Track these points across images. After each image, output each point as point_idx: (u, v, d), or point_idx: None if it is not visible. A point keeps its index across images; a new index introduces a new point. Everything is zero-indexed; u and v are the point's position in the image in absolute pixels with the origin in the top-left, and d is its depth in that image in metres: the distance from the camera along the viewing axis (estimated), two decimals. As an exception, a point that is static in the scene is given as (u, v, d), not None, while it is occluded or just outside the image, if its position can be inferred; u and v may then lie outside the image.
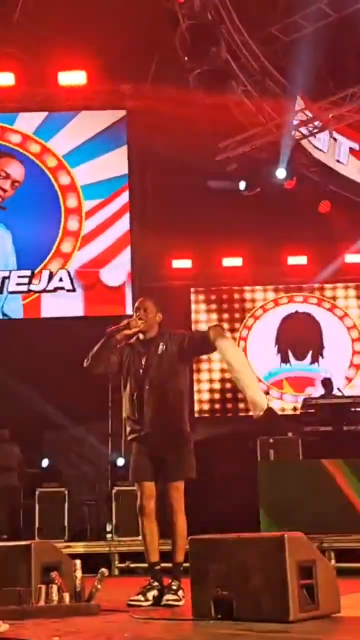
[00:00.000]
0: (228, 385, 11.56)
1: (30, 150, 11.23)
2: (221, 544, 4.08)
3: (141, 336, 5.05)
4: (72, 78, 10.84)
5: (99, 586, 4.32)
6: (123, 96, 11.13)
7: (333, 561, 6.84)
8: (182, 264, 11.88)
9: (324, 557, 4.11)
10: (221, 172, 10.90)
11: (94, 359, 5.01)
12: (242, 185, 10.82)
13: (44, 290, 10.76)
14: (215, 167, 10.86)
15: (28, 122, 11.25)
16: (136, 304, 5.14)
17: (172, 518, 4.86)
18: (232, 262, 11.92)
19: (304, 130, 10.60)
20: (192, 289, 11.95)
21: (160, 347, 4.98)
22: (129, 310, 10.67)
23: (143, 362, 4.98)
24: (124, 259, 10.99)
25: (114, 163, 11.16)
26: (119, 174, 11.18)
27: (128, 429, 5.08)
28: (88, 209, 11.10)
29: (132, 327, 5.00)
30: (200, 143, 10.62)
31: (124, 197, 11.12)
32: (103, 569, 4.44)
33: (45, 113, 11.25)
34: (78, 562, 4.39)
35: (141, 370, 4.96)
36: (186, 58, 9.69)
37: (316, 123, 10.52)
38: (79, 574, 4.32)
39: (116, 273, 10.95)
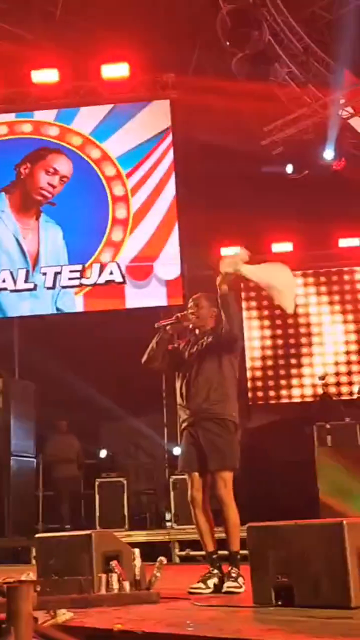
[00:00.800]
0: (282, 372, 11.52)
1: (72, 143, 11.29)
2: (280, 530, 4.07)
3: (197, 331, 5.17)
4: (115, 70, 10.86)
5: (158, 574, 4.36)
6: (166, 86, 11.09)
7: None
8: (232, 251, 11.81)
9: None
10: (267, 157, 10.81)
11: (149, 354, 5.16)
12: (289, 168, 10.72)
13: (95, 284, 10.83)
14: (261, 152, 10.78)
15: (81, 118, 11.30)
16: (190, 300, 5.22)
17: (222, 509, 4.86)
18: (282, 247, 11.83)
19: (350, 109, 10.43)
20: (242, 276, 11.87)
21: (205, 338, 5.07)
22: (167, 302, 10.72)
23: (193, 353, 5.08)
24: (174, 249, 10.95)
25: (160, 152, 11.13)
26: (165, 164, 11.13)
27: (179, 418, 5.13)
28: (135, 199, 11.10)
29: (183, 322, 5.06)
30: (245, 128, 10.57)
31: (171, 187, 11.08)
32: (162, 557, 4.47)
33: (79, 108, 11.29)
34: (137, 550, 4.43)
35: (190, 362, 5.05)
36: (228, 43, 9.63)
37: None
38: (138, 562, 4.37)
39: (170, 266, 10.90)
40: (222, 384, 4.99)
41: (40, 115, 11.42)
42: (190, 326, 5.23)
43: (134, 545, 4.91)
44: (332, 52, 9.94)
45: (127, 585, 4.28)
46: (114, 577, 4.26)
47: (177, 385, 5.13)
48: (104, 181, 11.16)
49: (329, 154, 10.48)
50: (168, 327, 5.10)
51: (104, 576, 4.29)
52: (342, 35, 9.35)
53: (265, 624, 3.55)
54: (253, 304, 11.90)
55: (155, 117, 11.19)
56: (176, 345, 5.26)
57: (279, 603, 3.85)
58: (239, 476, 4.96)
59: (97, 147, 11.24)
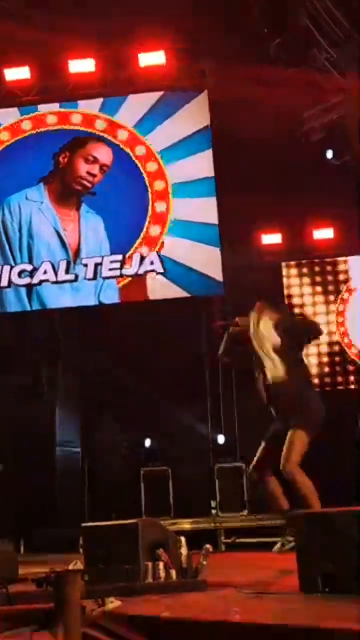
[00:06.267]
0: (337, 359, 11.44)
1: (118, 137, 11.29)
2: (327, 517, 4.07)
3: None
4: (152, 59, 10.82)
5: (204, 562, 4.38)
6: (203, 74, 11.03)
7: None
8: (272, 239, 11.78)
9: None
10: (307, 144, 10.71)
11: (221, 351, 5.76)
12: (329, 154, 10.62)
13: (136, 275, 10.85)
14: (300, 139, 10.68)
15: (127, 107, 11.27)
16: (253, 310, 5.65)
17: None
18: (323, 233, 11.73)
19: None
20: (283, 264, 11.83)
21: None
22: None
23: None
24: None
25: (203, 162, 11.02)
26: (204, 159, 11.02)
27: None
28: (175, 193, 11.06)
29: (240, 325, 5.58)
30: (285, 113, 10.47)
31: (211, 180, 10.99)
32: (207, 545, 4.50)
33: (125, 97, 11.25)
34: (183, 539, 4.46)
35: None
36: (265, 30, 9.54)
37: None
38: (184, 550, 4.40)
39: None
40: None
41: (84, 104, 11.37)
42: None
43: (179, 533, 4.94)
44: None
45: (173, 573, 4.31)
46: (160, 565, 4.29)
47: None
48: (145, 176, 11.14)
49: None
50: (228, 327, 5.39)
51: (150, 564, 4.33)
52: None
53: (312, 611, 3.55)
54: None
55: (196, 111, 11.09)
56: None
57: (326, 590, 3.85)
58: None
59: (141, 143, 11.20)
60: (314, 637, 2.93)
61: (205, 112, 11.03)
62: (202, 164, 10.90)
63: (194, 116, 11.09)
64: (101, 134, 11.29)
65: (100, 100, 11.35)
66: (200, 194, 10.87)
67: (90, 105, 11.39)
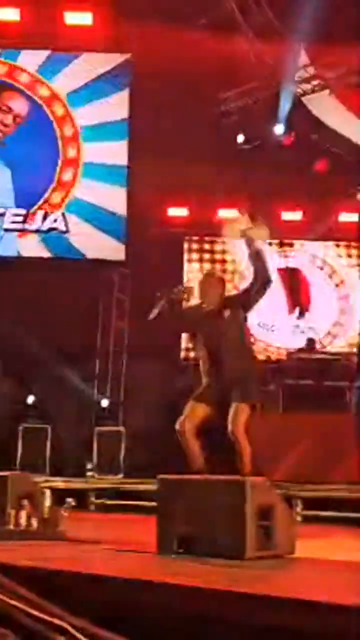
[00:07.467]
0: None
1: (20, 81, 11.11)
2: (188, 484, 4.30)
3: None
4: (79, 18, 10.75)
5: (65, 514, 4.59)
6: (127, 39, 11.01)
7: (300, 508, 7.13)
8: (178, 212, 11.95)
9: (283, 501, 4.31)
10: (220, 124, 10.90)
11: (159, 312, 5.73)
12: (240, 138, 10.84)
13: (38, 231, 10.82)
14: (214, 118, 10.85)
15: (32, 59, 11.13)
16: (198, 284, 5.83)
17: None
18: (228, 213, 11.96)
19: (305, 86, 10.57)
20: (185, 238, 12.03)
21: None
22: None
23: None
24: (121, 205, 11.00)
25: (115, 107, 11.09)
26: (119, 117, 11.11)
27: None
28: (86, 149, 11.07)
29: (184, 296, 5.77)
30: (203, 89, 10.61)
31: (123, 142, 11.07)
32: (69, 499, 4.71)
33: (48, 52, 11.12)
34: (48, 492, 4.66)
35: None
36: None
37: (316, 82, 10.48)
38: (47, 502, 4.59)
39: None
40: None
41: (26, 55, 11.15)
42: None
43: (53, 490, 5.11)
44: (290, 25, 9.98)
45: (35, 522, 4.50)
46: (23, 514, 4.47)
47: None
48: (53, 121, 11.05)
49: (279, 128, 10.64)
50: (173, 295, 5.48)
51: (13, 512, 4.50)
52: (300, 11, 9.39)
53: (166, 568, 3.78)
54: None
55: (114, 72, 11.12)
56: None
57: (180, 551, 4.09)
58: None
59: (44, 84, 11.09)
60: (159, 590, 3.15)
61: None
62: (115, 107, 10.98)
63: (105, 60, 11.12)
64: (21, 87, 11.13)
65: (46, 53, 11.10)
66: (112, 138, 10.97)
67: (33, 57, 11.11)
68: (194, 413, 5.62)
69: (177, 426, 5.54)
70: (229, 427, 5.57)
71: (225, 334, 5.64)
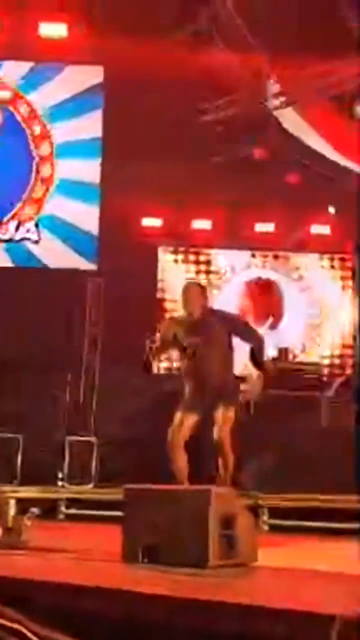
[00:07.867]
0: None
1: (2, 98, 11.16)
2: (153, 494, 4.36)
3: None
4: (53, 30, 10.78)
5: (28, 523, 4.62)
6: (104, 52, 11.05)
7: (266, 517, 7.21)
8: (152, 222, 12.01)
9: (246, 511, 4.38)
10: (195, 136, 10.98)
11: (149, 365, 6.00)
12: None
13: (10, 240, 10.83)
14: (190, 130, 10.94)
15: (13, 71, 11.17)
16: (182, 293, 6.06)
17: None
18: (202, 224, 12.07)
19: (276, 101, 10.70)
20: (160, 248, 12.10)
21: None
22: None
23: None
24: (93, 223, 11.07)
25: (90, 125, 11.12)
26: (93, 135, 11.15)
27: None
28: (61, 165, 11.11)
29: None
30: (179, 101, 10.69)
31: (97, 154, 11.11)
32: (34, 508, 4.75)
33: (29, 64, 11.17)
34: (12, 501, 4.68)
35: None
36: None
37: (284, 98, 10.61)
38: (12, 511, 4.62)
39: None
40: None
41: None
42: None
43: (23, 500, 5.12)
44: (260, 37, 10.07)
45: (-1, 531, 4.54)
46: (-15, 523, 4.52)
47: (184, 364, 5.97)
48: (30, 139, 11.09)
49: (252, 140, 10.76)
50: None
51: (-26, 520, 4.54)
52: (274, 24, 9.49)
53: (130, 576, 3.82)
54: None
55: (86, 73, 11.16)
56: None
57: (145, 560, 4.13)
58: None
59: (25, 102, 11.12)
60: (123, 598, 3.18)
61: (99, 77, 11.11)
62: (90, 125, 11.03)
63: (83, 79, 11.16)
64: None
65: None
66: (85, 155, 11.02)
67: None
68: (184, 424, 5.71)
69: (168, 438, 5.63)
70: (216, 434, 5.67)
71: (214, 342, 5.79)
